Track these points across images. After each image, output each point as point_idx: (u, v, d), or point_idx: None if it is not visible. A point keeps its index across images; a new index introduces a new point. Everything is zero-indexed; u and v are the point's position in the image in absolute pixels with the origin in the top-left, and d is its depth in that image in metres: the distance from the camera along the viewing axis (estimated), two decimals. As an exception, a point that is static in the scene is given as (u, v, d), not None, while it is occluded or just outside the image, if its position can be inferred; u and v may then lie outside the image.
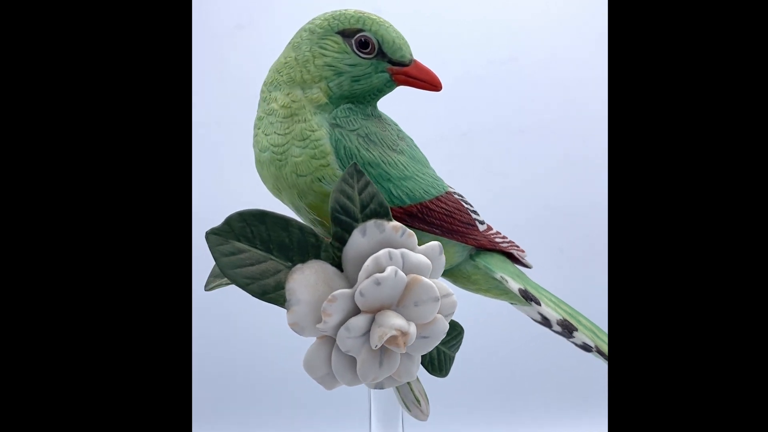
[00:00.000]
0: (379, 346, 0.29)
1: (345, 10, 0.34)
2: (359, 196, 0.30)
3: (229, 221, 0.30)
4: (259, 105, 0.35)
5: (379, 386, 0.32)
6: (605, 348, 0.38)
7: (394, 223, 0.30)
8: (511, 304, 0.38)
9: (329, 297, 0.29)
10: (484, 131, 0.74)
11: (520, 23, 0.76)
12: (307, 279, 0.29)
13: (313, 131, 0.33)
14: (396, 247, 0.29)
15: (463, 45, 0.72)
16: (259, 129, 0.34)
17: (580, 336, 0.38)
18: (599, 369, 0.69)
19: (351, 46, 0.34)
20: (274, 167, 0.33)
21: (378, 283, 0.28)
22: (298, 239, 0.30)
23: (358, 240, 0.30)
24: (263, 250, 0.30)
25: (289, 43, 0.35)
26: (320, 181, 0.33)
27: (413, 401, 0.34)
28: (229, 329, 0.72)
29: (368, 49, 0.34)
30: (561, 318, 0.38)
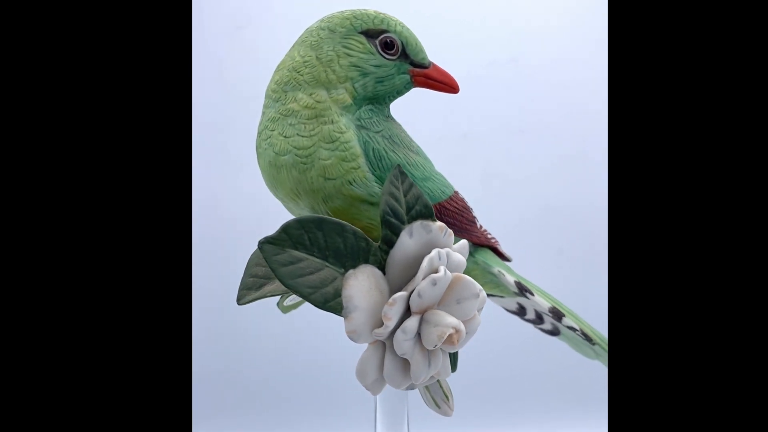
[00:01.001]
0: (438, 345, 0.29)
1: (364, 9, 0.34)
2: (404, 198, 0.30)
3: (287, 229, 0.29)
4: (267, 106, 0.34)
5: (411, 387, 0.32)
6: (589, 330, 0.40)
7: (439, 223, 0.30)
8: (490, 295, 0.39)
9: (389, 301, 0.29)
10: (485, 132, 0.75)
11: (521, 24, 0.76)
12: (361, 285, 0.29)
13: (342, 133, 0.32)
14: (440, 247, 0.30)
15: (464, 46, 0.72)
16: (273, 131, 0.33)
17: (567, 321, 0.39)
18: (599, 369, 0.69)
19: (376, 46, 0.34)
20: (296, 171, 0.32)
21: (434, 283, 0.29)
22: (351, 244, 0.29)
23: (405, 242, 0.30)
24: (320, 257, 0.29)
25: (302, 42, 0.34)
26: (351, 184, 0.32)
27: (443, 398, 0.34)
28: (230, 329, 0.72)
29: (393, 51, 0.34)
30: (551, 305, 0.39)
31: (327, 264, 0.29)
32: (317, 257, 0.29)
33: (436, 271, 0.29)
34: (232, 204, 0.72)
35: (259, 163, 0.34)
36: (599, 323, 0.69)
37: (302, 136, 0.32)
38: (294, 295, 0.35)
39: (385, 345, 0.30)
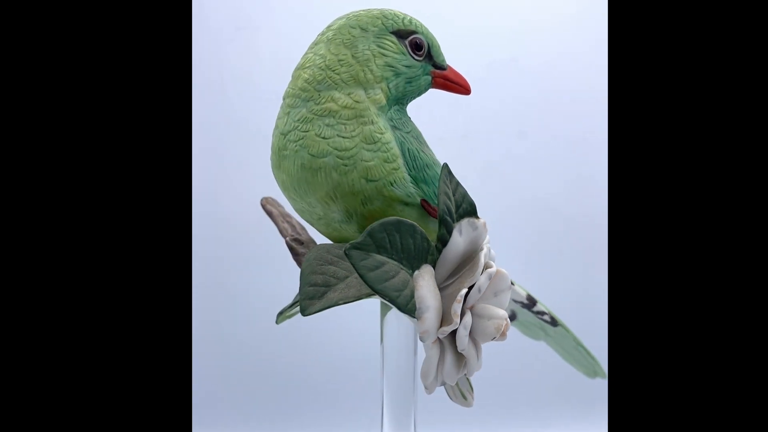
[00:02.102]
0: (496, 338, 0.30)
1: (391, 9, 0.34)
2: (453, 196, 0.31)
3: (372, 233, 0.28)
4: (294, 105, 0.32)
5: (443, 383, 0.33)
6: (555, 315, 0.43)
7: (482, 220, 0.31)
8: None
9: (457, 298, 0.29)
10: (485, 133, 0.75)
11: (521, 25, 0.76)
12: (428, 284, 0.29)
13: (382, 133, 0.32)
14: (482, 243, 0.31)
15: (464, 47, 0.72)
16: (306, 132, 0.31)
17: (540, 306, 0.41)
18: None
19: (406, 47, 0.34)
20: (337, 173, 0.31)
21: (490, 277, 0.30)
22: (418, 245, 0.29)
23: (456, 239, 0.30)
24: (397, 259, 0.29)
25: (330, 40, 0.33)
26: (392, 185, 0.32)
27: (468, 389, 0.34)
28: (230, 329, 0.72)
29: (420, 52, 0.34)
30: (526, 293, 0.41)
31: (402, 266, 0.29)
32: (395, 260, 0.29)
33: (490, 266, 0.30)
34: (233, 205, 0.72)
35: (281, 167, 0.33)
36: (599, 323, 0.69)
37: (343, 137, 0.31)
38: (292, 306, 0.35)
39: (443, 343, 0.30)
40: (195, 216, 0.61)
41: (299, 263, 0.35)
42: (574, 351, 0.45)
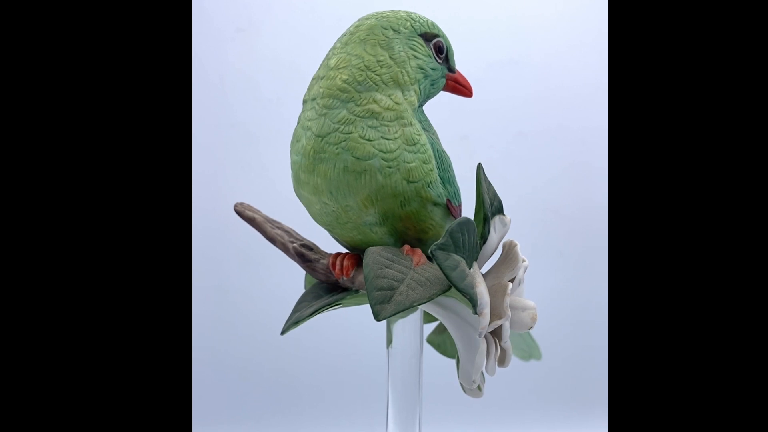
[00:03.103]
0: (532, 327, 0.31)
1: (413, 12, 0.34)
2: (488, 195, 0.32)
3: (451, 233, 0.28)
4: (331, 107, 0.31)
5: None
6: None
7: (509, 216, 0.32)
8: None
9: (507, 291, 0.30)
10: (484, 134, 0.75)
11: (521, 26, 0.76)
12: (482, 281, 0.30)
13: (419, 135, 0.32)
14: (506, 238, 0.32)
15: (463, 48, 0.72)
16: (349, 133, 0.31)
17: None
18: (599, 369, 0.69)
19: (431, 50, 0.34)
20: (381, 175, 0.30)
21: (525, 270, 0.31)
22: (473, 243, 0.30)
23: (492, 236, 0.32)
24: (464, 258, 0.29)
25: (364, 40, 0.33)
26: (428, 186, 0.32)
27: (482, 381, 0.35)
28: (230, 329, 0.72)
29: (442, 55, 0.35)
30: None
31: (467, 265, 0.30)
32: (464, 258, 0.29)
33: (524, 260, 0.31)
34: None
35: (315, 170, 0.31)
36: (599, 325, 0.69)
37: (387, 139, 0.31)
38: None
39: (487, 337, 0.31)
40: (195, 217, 0.61)
41: (312, 270, 0.34)
42: (515, 335, 0.44)
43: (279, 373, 0.71)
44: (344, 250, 0.35)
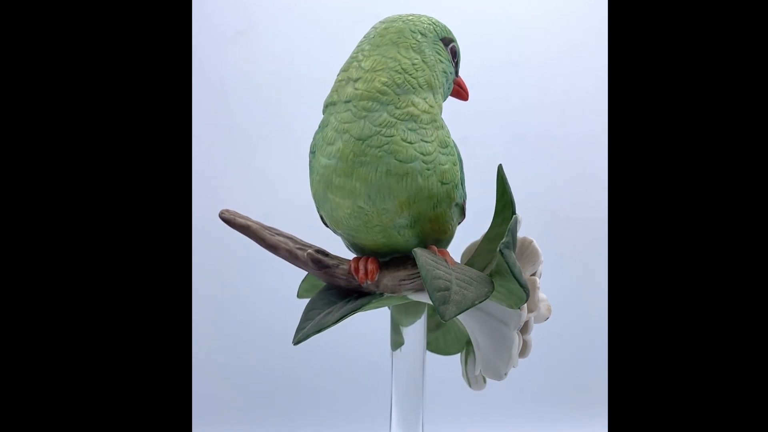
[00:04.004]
0: (548, 317, 0.33)
1: (432, 17, 0.35)
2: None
3: (512, 232, 0.29)
4: (370, 109, 0.31)
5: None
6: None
7: (520, 215, 0.33)
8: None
9: (536, 286, 0.31)
10: (484, 136, 0.75)
11: (520, 28, 0.76)
12: None
13: (449, 137, 0.32)
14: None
15: (463, 50, 0.73)
16: (390, 136, 0.30)
17: None
18: (599, 369, 0.69)
19: (448, 54, 0.34)
20: (421, 178, 0.31)
21: (542, 265, 0.33)
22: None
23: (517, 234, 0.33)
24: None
25: (396, 43, 0.33)
26: (456, 187, 0.32)
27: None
28: (230, 330, 0.72)
29: (456, 59, 0.35)
30: None
31: None
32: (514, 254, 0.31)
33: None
34: (232, 207, 0.72)
35: (354, 174, 0.31)
36: (599, 326, 0.69)
37: (426, 142, 0.31)
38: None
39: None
40: (195, 218, 0.61)
41: (329, 276, 0.33)
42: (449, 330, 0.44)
43: (279, 374, 0.71)
44: (350, 254, 0.35)
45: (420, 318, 0.36)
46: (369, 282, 0.32)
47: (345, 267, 0.33)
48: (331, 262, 0.33)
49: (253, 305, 0.72)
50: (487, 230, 0.36)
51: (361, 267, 0.32)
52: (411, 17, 0.34)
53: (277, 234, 0.34)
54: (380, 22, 0.34)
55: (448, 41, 0.34)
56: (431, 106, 0.32)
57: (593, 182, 0.74)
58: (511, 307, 0.31)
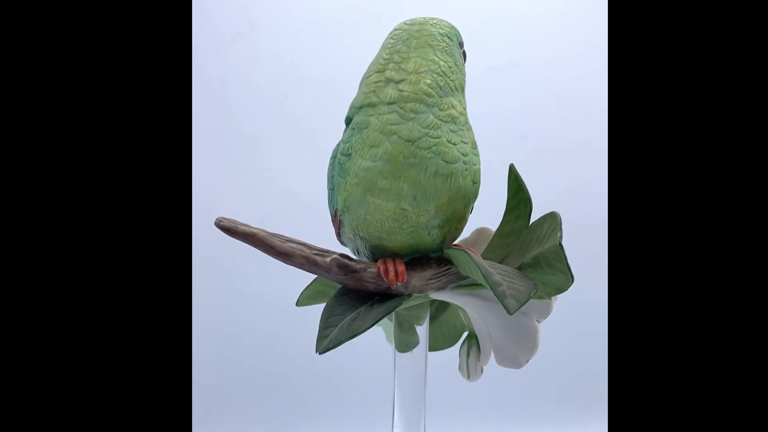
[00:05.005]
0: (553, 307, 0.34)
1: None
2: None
3: (562, 227, 0.32)
4: (417, 111, 0.31)
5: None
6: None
7: None
8: None
9: None
10: (485, 137, 0.75)
11: (520, 30, 0.76)
12: None
13: (475, 139, 0.34)
14: None
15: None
16: (438, 138, 0.31)
17: None
18: (599, 369, 0.69)
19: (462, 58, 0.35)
20: (461, 178, 0.31)
21: None
22: None
23: None
24: None
25: (430, 45, 0.33)
26: (479, 186, 0.33)
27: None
28: (230, 329, 0.72)
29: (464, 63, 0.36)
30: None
31: None
32: None
33: None
34: (232, 208, 0.72)
35: (403, 176, 0.31)
36: (599, 325, 0.69)
37: (464, 143, 0.32)
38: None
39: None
40: (195, 219, 0.61)
41: (357, 280, 0.33)
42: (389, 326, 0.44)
43: (279, 374, 0.71)
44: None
45: (426, 315, 0.36)
46: (399, 283, 0.32)
47: (373, 270, 0.32)
48: (358, 266, 0.32)
49: (253, 305, 0.72)
50: (499, 227, 0.36)
51: (390, 269, 0.32)
52: (435, 20, 0.34)
53: (288, 241, 0.33)
54: (406, 23, 0.34)
55: (461, 45, 0.35)
56: (464, 108, 0.33)
57: (593, 183, 0.74)
58: (542, 297, 0.32)
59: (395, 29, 0.34)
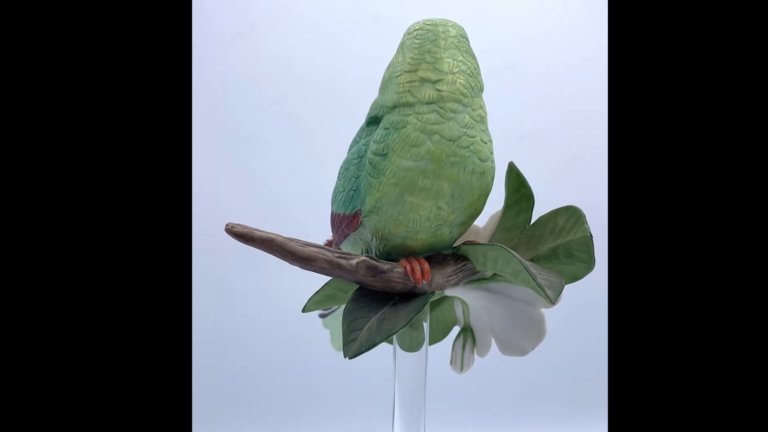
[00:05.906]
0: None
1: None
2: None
3: (585, 218, 0.34)
4: (456, 111, 0.31)
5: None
6: None
7: None
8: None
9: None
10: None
11: (520, 31, 0.76)
12: None
13: None
14: None
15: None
16: (473, 137, 0.31)
17: None
18: (599, 369, 0.69)
19: None
20: (489, 175, 0.33)
21: None
22: None
23: None
24: None
25: (457, 47, 0.33)
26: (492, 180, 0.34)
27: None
28: (230, 329, 0.72)
29: None
30: None
31: None
32: None
33: None
34: (232, 209, 0.72)
35: (443, 174, 0.31)
36: (599, 325, 0.69)
37: (490, 142, 0.33)
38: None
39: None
40: (195, 220, 0.61)
41: (385, 281, 0.32)
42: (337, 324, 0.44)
43: (279, 374, 0.71)
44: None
45: (428, 311, 0.37)
46: (424, 282, 0.32)
47: (399, 270, 0.32)
48: (386, 266, 0.32)
49: (253, 305, 0.72)
50: (500, 222, 0.37)
51: (417, 268, 0.32)
52: (450, 22, 0.34)
53: (307, 245, 0.31)
54: (427, 23, 0.33)
55: None
56: (485, 109, 0.33)
57: (593, 184, 0.74)
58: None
59: (415, 29, 0.33)
